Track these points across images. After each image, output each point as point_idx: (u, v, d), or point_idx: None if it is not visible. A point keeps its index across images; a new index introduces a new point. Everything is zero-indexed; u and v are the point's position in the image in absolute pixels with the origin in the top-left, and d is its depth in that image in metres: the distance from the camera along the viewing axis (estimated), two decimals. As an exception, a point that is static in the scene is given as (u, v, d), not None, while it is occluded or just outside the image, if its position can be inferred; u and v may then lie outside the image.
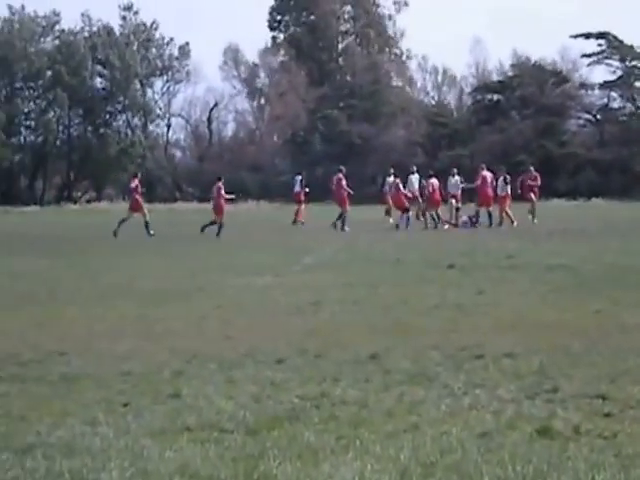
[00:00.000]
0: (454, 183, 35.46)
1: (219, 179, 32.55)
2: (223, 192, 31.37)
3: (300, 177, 39.52)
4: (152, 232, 30.16)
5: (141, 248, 25.15)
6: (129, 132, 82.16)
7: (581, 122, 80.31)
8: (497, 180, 34.27)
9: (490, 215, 33.20)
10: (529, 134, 71.47)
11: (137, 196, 31.92)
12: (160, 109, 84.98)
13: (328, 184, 34.61)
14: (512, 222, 32.76)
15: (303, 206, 38.37)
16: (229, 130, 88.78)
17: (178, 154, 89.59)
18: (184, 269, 18.44)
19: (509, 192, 34.06)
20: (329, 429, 6.41)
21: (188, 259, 21.10)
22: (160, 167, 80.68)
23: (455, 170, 36.37)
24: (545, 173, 34.37)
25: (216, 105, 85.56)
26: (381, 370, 8.34)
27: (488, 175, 34.09)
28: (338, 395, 7.39)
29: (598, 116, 77.94)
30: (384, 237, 28.44)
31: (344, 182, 34.53)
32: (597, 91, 78.65)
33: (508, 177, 34.49)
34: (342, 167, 36.08)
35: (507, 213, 33.33)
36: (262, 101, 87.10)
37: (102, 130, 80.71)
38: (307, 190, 38.78)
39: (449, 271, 17.30)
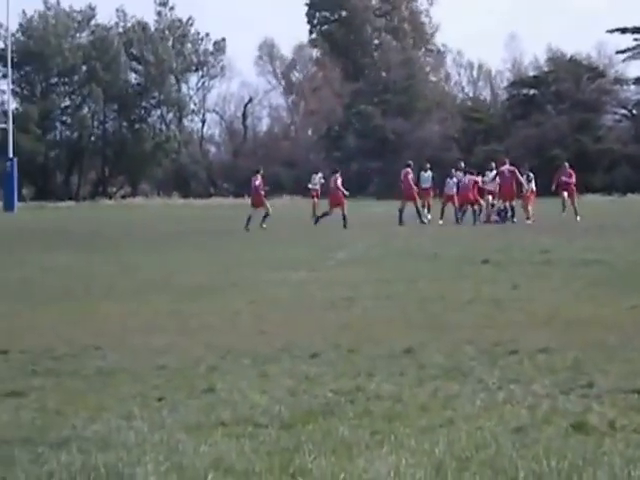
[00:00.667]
0: (490, 179, 35.24)
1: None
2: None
3: (320, 174, 40.18)
4: (264, 225, 30.73)
5: (176, 243, 25.21)
6: (164, 127, 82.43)
7: (617, 117, 79.71)
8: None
9: (512, 209, 33.10)
10: (564, 129, 71.04)
11: (260, 192, 32.30)
12: (195, 104, 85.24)
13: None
14: (527, 218, 32.63)
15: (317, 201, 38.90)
16: (264, 125, 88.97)
17: (213, 149, 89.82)
18: (218, 264, 18.49)
19: (533, 189, 33.88)
20: (364, 424, 6.40)
21: (222, 254, 21.16)
22: (195, 162, 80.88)
23: (493, 165, 36.10)
24: (580, 168, 34.11)
25: (251, 100, 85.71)
26: (415, 365, 8.32)
27: (508, 169, 33.97)
28: (372, 389, 7.38)
29: (634, 111, 77.30)
30: (418, 232, 28.36)
31: (410, 176, 34.36)
32: (633, 86, 78.07)
33: (531, 175, 34.36)
34: (410, 162, 36.01)
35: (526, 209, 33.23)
36: (297, 96, 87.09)
37: (137, 125, 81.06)
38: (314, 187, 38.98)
39: (484, 266, 17.24)
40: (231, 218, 31.81)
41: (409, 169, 34.85)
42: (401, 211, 33.40)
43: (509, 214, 33.48)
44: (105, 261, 19.79)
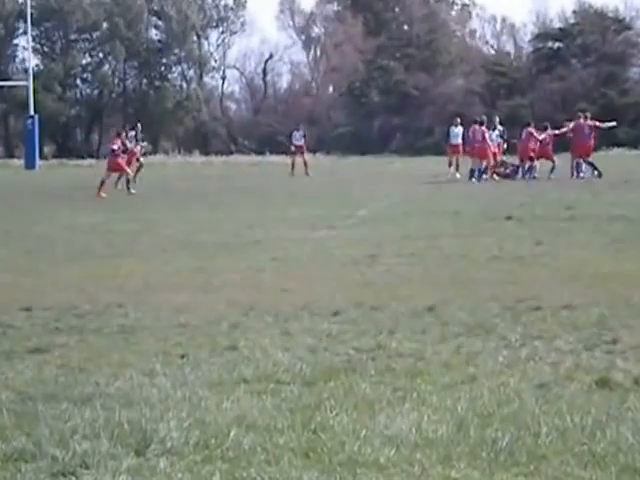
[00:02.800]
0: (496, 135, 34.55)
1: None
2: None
3: (301, 131, 40.13)
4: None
5: (197, 201, 25.19)
6: (184, 85, 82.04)
7: None
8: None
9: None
10: (590, 83, 70.14)
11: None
12: (215, 61, 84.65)
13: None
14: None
15: (306, 157, 39.00)
16: (284, 82, 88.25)
17: (233, 107, 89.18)
18: (240, 222, 18.46)
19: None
20: (385, 381, 6.39)
21: (244, 212, 21.12)
22: (215, 120, 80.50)
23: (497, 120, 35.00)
24: (606, 122, 33.41)
25: (271, 57, 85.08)
26: (438, 322, 8.31)
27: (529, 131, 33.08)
28: (394, 347, 7.36)
29: None
30: (442, 189, 28.21)
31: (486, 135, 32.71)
32: None
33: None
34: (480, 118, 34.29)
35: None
36: (318, 52, 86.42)
37: (157, 83, 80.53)
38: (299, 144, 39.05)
39: (507, 223, 17.16)
40: (251, 175, 31.71)
41: (477, 126, 33.17)
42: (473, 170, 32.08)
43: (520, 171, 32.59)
44: (127, 219, 19.81)
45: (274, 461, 4.87)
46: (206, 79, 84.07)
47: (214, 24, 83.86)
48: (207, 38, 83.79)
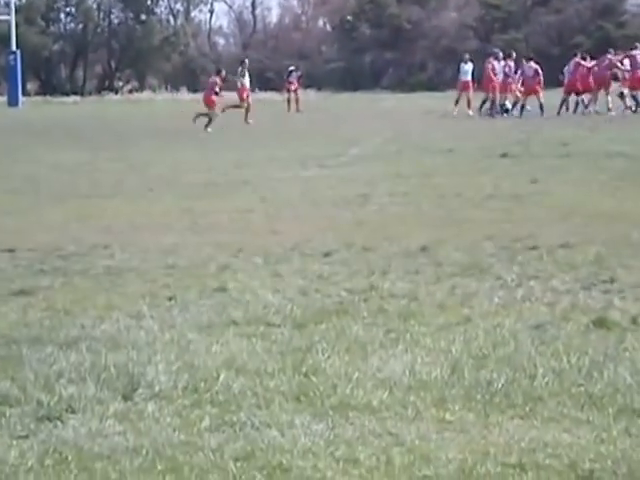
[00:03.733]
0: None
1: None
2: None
3: (299, 72, 40.50)
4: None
5: (185, 140, 24.92)
6: (171, 19, 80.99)
7: None
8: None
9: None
10: (586, 15, 69.30)
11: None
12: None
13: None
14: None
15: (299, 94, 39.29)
16: (274, 16, 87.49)
17: (221, 42, 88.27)
18: (228, 161, 18.23)
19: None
20: (378, 322, 6.31)
21: (232, 151, 20.84)
22: (203, 55, 79.64)
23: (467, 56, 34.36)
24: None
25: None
26: (432, 262, 8.20)
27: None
28: (387, 288, 7.27)
29: None
30: (436, 126, 27.94)
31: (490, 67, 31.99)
32: None
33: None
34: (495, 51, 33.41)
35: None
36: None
37: (144, 17, 79.40)
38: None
39: (502, 160, 17.01)
40: (241, 113, 31.34)
41: (491, 58, 32.49)
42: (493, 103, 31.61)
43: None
44: (113, 158, 19.53)
45: (264, 405, 4.81)
46: (194, 13, 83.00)
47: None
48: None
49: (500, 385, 4.96)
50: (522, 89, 32.02)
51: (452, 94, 35.74)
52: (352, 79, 64.66)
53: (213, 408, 4.78)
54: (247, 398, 4.89)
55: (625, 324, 6.10)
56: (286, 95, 39.92)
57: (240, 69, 33.92)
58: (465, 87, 33.92)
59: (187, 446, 4.34)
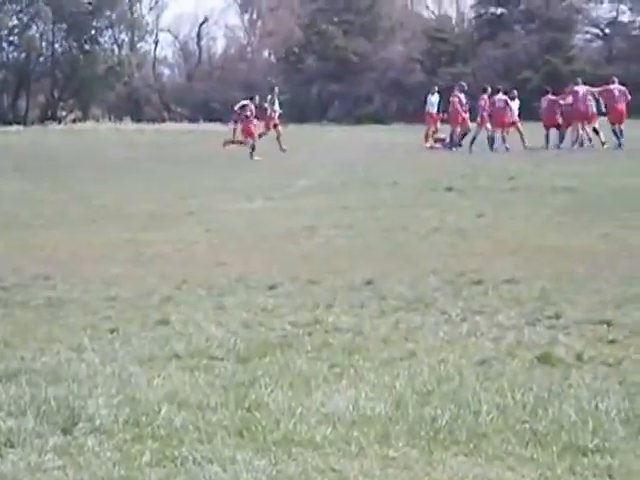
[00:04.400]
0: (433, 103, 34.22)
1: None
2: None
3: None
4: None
5: (129, 170, 24.76)
6: (116, 49, 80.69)
7: (588, 37, 78.21)
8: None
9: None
10: (534, 50, 69.99)
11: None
12: (148, 24, 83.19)
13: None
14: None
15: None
16: (219, 47, 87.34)
17: (166, 72, 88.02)
18: (173, 192, 18.13)
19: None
20: (322, 357, 6.26)
21: (177, 182, 20.72)
22: (147, 86, 79.42)
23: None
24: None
25: (206, 20, 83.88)
26: (377, 296, 8.17)
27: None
28: (332, 322, 7.23)
29: (606, 30, 75.99)
30: (382, 159, 28.04)
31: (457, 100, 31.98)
32: (606, 4, 75.97)
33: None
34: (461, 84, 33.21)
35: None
36: (254, 16, 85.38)
37: (88, 47, 79.01)
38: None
39: (448, 194, 17.07)
40: (186, 144, 31.29)
41: (457, 91, 32.36)
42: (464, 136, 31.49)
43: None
44: (55, 188, 19.36)
45: (206, 440, 4.75)
46: (139, 43, 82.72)
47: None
48: (140, 1, 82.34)
49: (444, 421, 4.93)
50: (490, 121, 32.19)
51: (397, 127, 35.95)
52: (298, 111, 64.82)
53: (154, 443, 4.71)
54: (189, 433, 4.83)
55: (570, 360, 6.10)
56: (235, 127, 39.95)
57: (270, 96, 33.51)
58: (433, 119, 34.03)
59: (127, 481, 4.26)
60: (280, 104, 34.88)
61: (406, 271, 9.35)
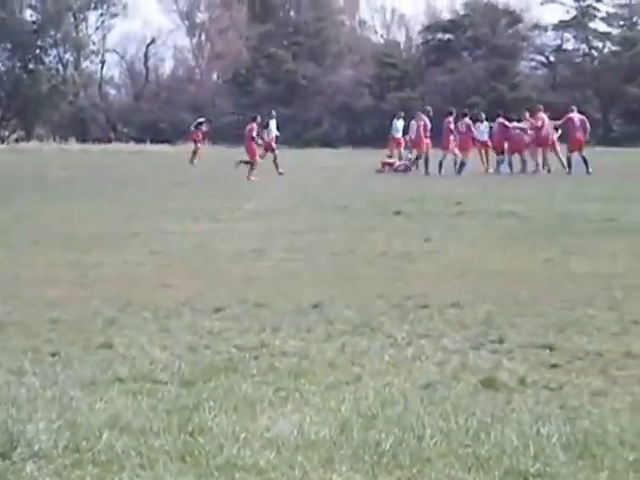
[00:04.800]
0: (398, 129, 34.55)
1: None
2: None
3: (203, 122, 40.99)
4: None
5: (73, 191, 24.60)
6: (61, 68, 79.99)
7: (534, 64, 79.17)
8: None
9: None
10: (481, 76, 70.69)
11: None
12: (94, 44, 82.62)
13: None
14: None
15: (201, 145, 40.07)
16: (167, 68, 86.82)
17: (113, 92, 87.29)
18: (119, 214, 18.04)
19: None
20: (268, 380, 6.23)
21: (123, 203, 20.62)
22: (93, 105, 78.78)
23: (483, 115, 34.03)
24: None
25: (153, 41, 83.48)
26: (324, 320, 8.15)
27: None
28: (278, 345, 7.19)
29: (551, 58, 76.92)
30: (331, 182, 28.11)
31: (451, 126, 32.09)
32: (550, 32, 76.77)
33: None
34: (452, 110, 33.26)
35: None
36: (202, 38, 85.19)
37: (32, 66, 78.26)
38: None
39: (396, 217, 17.15)
40: (131, 165, 31.14)
41: (423, 115, 32.54)
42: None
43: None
44: (-3, 208, 19.15)
45: (148, 465, 4.69)
46: (85, 63, 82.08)
47: (93, 6, 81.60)
48: (85, 20, 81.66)
49: (388, 445, 4.91)
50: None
51: (346, 151, 36.05)
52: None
53: (95, 468, 4.65)
54: (131, 458, 4.76)
55: (513, 385, 6.12)
56: (193, 146, 40.00)
57: (266, 120, 33.63)
58: (398, 144, 34.15)
59: (66, 508, 4.21)
60: (278, 127, 34.95)
61: (353, 295, 9.35)
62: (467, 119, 32.85)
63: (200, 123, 40.95)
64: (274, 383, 6.14)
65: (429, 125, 32.51)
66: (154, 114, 72.35)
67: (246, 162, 30.25)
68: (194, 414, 5.43)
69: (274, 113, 34.96)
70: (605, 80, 71.06)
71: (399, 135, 34.48)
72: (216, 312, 8.48)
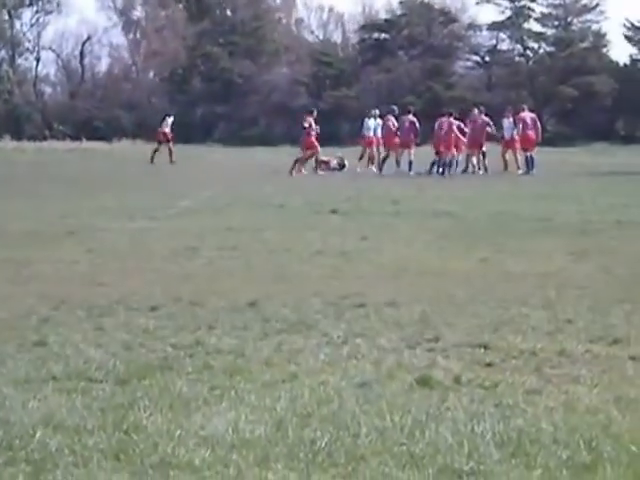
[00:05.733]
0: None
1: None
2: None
3: (172, 118, 39.20)
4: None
5: (7, 189, 24.24)
6: (-5, 66, 78.87)
7: (469, 64, 79.44)
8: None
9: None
10: (416, 75, 70.95)
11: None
12: (29, 41, 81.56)
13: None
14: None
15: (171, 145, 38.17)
16: (103, 65, 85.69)
17: (48, 90, 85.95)
18: (53, 211, 17.80)
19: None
20: (203, 379, 6.21)
21: (58, 201, 20.37)
22: (28, 103, 77.73)
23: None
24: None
25: (89, 38, 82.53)
26: (260, 318, 8.14)
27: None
28: (213, 344, 7.17)
29: (486, 58, 77.25)
30: (268, 181, 28.06)
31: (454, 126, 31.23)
32: (485, 32, 76.91)
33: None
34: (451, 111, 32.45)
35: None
36: (138, 36, 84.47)
37: (-34, 63, 77.23)
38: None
39: (332, 216, 17.16)
40: (67, 162, 30.83)
41: (446, 118, 31.73)
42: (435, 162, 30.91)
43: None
44: None
45: (82, 463, 4.67)
46: (19, 60, 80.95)
47: (27, 2, 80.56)
48: (20, 17, 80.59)
49: (324, 444, 4.93)
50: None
51: (284, 149, 36.00)
52: (183, 131, 64.23)
53: (28, 466, 4.62)
54: (64, 456, 4.74)
55: (448, 383, 6.15)
56: (156, 145, 38.41)
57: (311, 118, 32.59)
58: (369, 143, 33.68)
59: (-2, 507, 4.16)
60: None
61: (289, 293, 9.34)
62: (412, 116, 32.52)
63: (164, 118, 39.64)
64: (209, 381, 6.13)
65: (396, 124, 32.46)
66: (90, 112, 71.61)
67: (300, 161, 30.09)
68: (129, 412, 5.41)
69: (315, 112, 32.95)
70: (539, 80, 71.79)
71: (370, 134, 33.77)
72: (151, 310, 8.43)
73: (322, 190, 24.05)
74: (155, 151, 37.50)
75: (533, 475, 4.61)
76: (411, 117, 32.51)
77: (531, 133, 31.25)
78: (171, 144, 37.89)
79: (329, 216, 17.20)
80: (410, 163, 30.99)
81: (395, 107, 34.43)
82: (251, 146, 54.38)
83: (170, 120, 38.96)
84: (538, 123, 32.14)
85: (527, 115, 32.05)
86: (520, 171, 30.69)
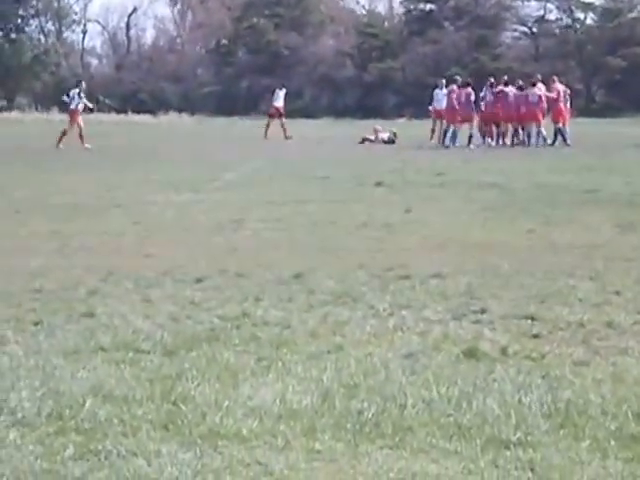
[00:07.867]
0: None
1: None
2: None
3: (283, 91, 37.19)
4: None
5: (55, 161, 24.47)
6: (42, 38, 79.44)
7: (516, 34, 78.65)
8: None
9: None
10: (462, 46, 70.29)
11: None
12: (76, 14, 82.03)
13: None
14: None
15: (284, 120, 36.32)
16: (148, 38, 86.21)
17: (94, 62, 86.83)
18: (100, 184, 17.92)
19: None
20: (250, 350, 6.23)
21: (104, 173, 20.49)
22: (75, 76, 78.08)
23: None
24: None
25: (135, 11, 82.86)
26: (305, 290, 8.15)
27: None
28: (260, 315, 7.19)
29: (534, 28, 76.50)
30: (312, 153, 28.06)
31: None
32: (533, 2, 76.50)
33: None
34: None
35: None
36: (184, 7, 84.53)
37: (14, 35, 77.66)
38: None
39: (377, 189, 17.10)
40: (113, 135, 30.98)
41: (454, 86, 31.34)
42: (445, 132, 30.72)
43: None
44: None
45: (131, 433, 4.70)
46: (66, 33, 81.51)
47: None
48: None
49: (370, 415, 4.94)
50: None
51: (328, 122, 35.76)
52: (228, 104, 64.45)
53: (78, 436, 4.65)
54: (113, 426, 4.77)
55: (494, 355, 6.13)
56: (267, 120, 36.64)
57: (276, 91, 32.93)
58: (439, 115, 32.31)
59: (49, 475, 4.22)
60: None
61: (334, 265, 9.35)
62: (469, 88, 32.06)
63: (274, 91, 37.43)
64: (256, 352, 6.15)
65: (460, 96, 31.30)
66: (135, 84, 71.92)
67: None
68: (177, 383, 5.44)
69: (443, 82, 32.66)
70: (587, 51, 70.95)
71: (442, 105, 31.82)
72: (197, 282, 8.47)
73: (367, 162, 23.99)
74: (267, 126, 35.67)
75: (581, 446, 4.59)
76: (469, 89, 32.03)
77: (562, 106, 30.86)
78: (283, 119, 36.05)
79: (374, 188, 17.15)
80: (470, 136, 30.53)
81: (459, 77, 33.72)
82: (296, 118, 54.29)
83: (282, 93, 36.95)
84: (568, 96, 31.52)
85: (560, 87, 31.57)
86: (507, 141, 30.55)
